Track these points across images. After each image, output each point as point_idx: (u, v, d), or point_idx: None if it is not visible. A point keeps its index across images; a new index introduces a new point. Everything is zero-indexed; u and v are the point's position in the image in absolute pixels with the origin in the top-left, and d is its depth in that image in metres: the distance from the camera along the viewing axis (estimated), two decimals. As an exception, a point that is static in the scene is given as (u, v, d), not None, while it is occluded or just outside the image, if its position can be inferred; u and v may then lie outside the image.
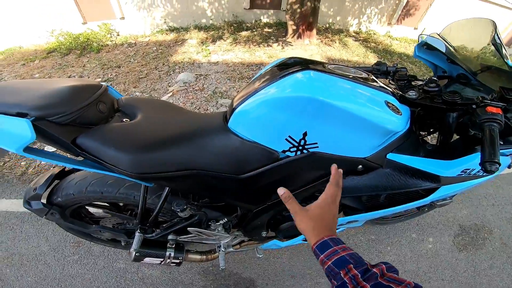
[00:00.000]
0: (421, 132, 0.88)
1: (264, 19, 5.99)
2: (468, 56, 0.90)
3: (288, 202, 0.55)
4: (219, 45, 4.48)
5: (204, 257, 1.15)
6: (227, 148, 0.71)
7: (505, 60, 0.72)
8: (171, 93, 3.00)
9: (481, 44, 0.86)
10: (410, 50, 5.47)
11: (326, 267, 0.45)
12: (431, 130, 0.87)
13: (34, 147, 0.63)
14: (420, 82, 0.86)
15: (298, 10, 4.23)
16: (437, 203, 1.14)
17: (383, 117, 0.63)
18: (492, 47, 0.78)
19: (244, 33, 5.07)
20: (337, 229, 1.12)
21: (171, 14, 5.53)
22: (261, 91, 0.66)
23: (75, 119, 0.64)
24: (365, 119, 0.62)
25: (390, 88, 0.77)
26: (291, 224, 1.00)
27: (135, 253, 0.94)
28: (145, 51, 4.31)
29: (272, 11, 5.94)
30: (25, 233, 1.55)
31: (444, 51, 0.95)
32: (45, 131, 0.59)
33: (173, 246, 1.04)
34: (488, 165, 0.52)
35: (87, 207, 1.14)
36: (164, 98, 2.98)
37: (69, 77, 3.55)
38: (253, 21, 5.91)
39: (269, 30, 5.34)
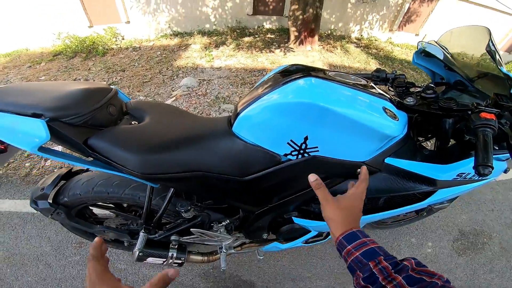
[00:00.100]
0: (418, 138, 0.91)
1: (267, 25, 6.08)
2: (465, 63, 0.93)
3: (319, 189, 0.55)
4: (222, 51, 4.55)
5: (206, 258, 1.16)
6: (231, 151, 0.74)
7: (499, 67, 0.74)
8: (174, 98, 3.04)
9: (477, 51, 0.89)
10: (411, 56, 5.43)
11: (353, 258, 0.45)
12: (429, 135, 0.89)
13: (46, 147, 0.66)
14: (418, 89, 0.88)
15: (301, 17, 4.30)
16: (435, 207, 1.15)
17: (380, 122, 0.66)
18: (486, 54, 0.80)
19: (246, 39, 5.14)
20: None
21: (175, 19, 5.63)
22: (264, 96, 0.69)
23: (87, 120, 0.67)
24: (364, 124, 0.64)
25: (388, 94, 0.80)
26: (292, 227, 1.01)
27: (139, 252, 0.95)
28: (149, 55, 4.38)
29: (274, 17, 6.03)
30: (27, 233, 1.56)
31: (441, 58, 0.97)
32: (59, 131, 0.62)
33: (176, 246, 1.06)
34: (481, 168, 0.54)
35: (91, 207, 1.16)
36: (168, 102, 3.02)
37: (74, 80, 3.61)
38: (256, 27, 6.00)
39: (272, 36, 5.41)
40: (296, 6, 4.25)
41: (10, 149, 0.79)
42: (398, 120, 0.69)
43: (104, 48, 4.57)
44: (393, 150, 0.76)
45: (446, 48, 0.97)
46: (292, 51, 4.59)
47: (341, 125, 0.65)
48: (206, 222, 1.01)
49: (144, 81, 3.46)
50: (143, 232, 0.98)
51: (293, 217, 0.96)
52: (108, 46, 4.72)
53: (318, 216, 0.95)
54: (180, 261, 1.06)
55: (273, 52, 4.55)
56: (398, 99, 0.80)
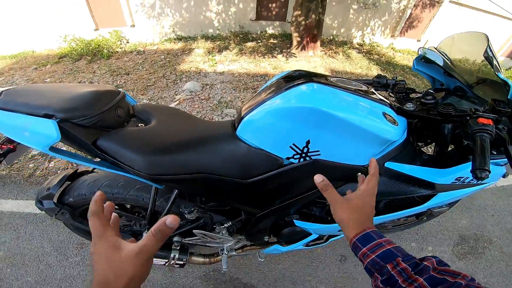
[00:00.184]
0: (418, 143, 0.92)
1: (270, 30, 6.14)
2: (464, 69, 0.94)
3: (327, 191, 0.50)
4: (225, 55, 4.59)
5: (207, 259, 1.17)
6: (235, 154, 0.76)
7: (496, 73, 0.75)
8: (177, 102, 3.07)
9: (476, 57, 0.90)
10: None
11: (369, 260, 0.43)
12: (428, 141, 0.91)
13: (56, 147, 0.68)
14: (418, 95, 0.90)
15: (303, 22, 4.33)
16: (434, 210, 1.16)
17: (380, 127, 0.67)
18: (485, 60, 0.82)
19: (249, 44, 5.18)
20: (337, 235, 1.14)
21: (179, 23, 5.70)
22: (267, 101, 0.71)
23: (96, 122, 0.69)
24: (364, 129, 0.66)
25: (388, 100, 0.82)
26: (293, 229, 1.03)
27: (142, 253, 0.97)
28: (153, 59, 4.43)
29: (277, 22, 6.09)
30: (29, 233, 1.57)
31: (441, 64, 0.99)
32: (69, 132, 0.64)
33: (178, 248, 1.07)
34: (479, 172, 0.55)
35: None
36: (171, 106, 3.05)
37: (79, 82, 3.66)
38: (259, 32, 6.06)
39: (274, 41, 5.45)
40: (299, 12, 4.29)
41: (19, 148, 0.82)
42: (397, 125, 0.70)
43: (109, 51, 4.62)
44: (393, 154, 0.77)
45: (446, 54, 0.99)
46: (294, 56, 4.62)
47: (342, 129, 0.67)
48: (209, 224, 1.03)
49: (148, 84, 3.50)
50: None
51: (294, 220, 0.97)
52: (113, 49, 4.78)
53: (319, 219, 0.96)
54: (182, 262, 1.08)
55: (275, 57, 4.59)
56: (398, 104, 0.81)
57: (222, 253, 1.14)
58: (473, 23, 6.33)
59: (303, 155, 0.73)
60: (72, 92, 0.70)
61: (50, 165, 2.11)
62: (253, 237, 1.11)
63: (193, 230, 1.01)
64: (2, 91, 0.69)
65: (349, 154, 0.73)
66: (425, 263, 0.39)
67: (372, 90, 0.84)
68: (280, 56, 4.63)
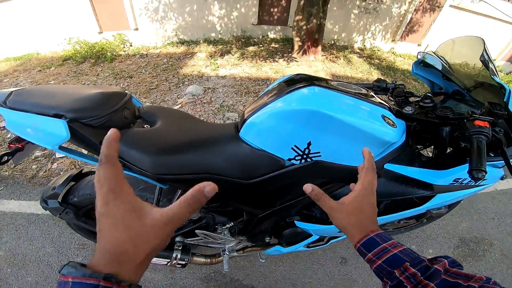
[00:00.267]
0: (417, 146, 0.94)
1: (271, 35, 6.19)
2: (462, 72, 0.96)
3: (320, 199, 0.45)
4: (227, 59, 4.63)
5: (209, 260, 1.18)
6: (238, 155, 0.78)
7: (492, 76, 0.77)
8: (180, 105, 3.10)
9: (473, 61, 0.92)
10: (413, 67, 5.55)
11: (376, 266, 0.41)
12: (427, 143, 0.93)
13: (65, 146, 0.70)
14: (417, 98, 0.92)
15: (304, 27, 4.37)
16: (433, 212, 1.17)
17: (379, 129, 0.69)
18: (482, 64, 0.84)
19: (251, 48, 5.23)
20: (338, 237, 1.15)
21: (182, 27, 5.76)
22: (270, 104, 0.74)
23: (104, 122, 0.71)
24: (363, 131, 0.68)
25: (387, 103, 0.84)
26: (294, 230, 1.04)
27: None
28: (156, 63, 4.47)
29: (279, 27, 6.14)
30: (31, 234, 1.58)
31: (440, 68, 1.01)
32: (78, 131, 0.67)
33: (180, 248, 1.09)
34: (475, 172, 0.57)
35: None
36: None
37: (83, 85, 3.70)
38: (261, 37, 6.11)
39: (276, 46, 5.50)
40: (300, 17, 4.33)
41: (27, 148, 0.84)
42: (396, 127, 0.72)
43: (112, 54, 4.68)
44: (392, 156, 0.79)
45: (444, 58, 1.01)
46: (295, 61, 4.66)
47: (342, 131, 0.69)
48: (211, 224, 1.04)
49: (151, 88, 3.54)
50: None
51: (295, 221, 0.99)
52: (116, 53, 4.84)
53: (320, 220, 0.97)
54: (183, 262, 1.09)
55: (277, 61, 4.62)
56: (397, 108, 0.83)
57: (224, 254, 1.15)
58: (473, 28, 6.36)
59: (304, 156, 0.74)
60: (80, 93, 0.73)
61: (53, 167, 2.13)
62: (255, 238, 1.13)
63: (195, 231, 1.03)
64: (12, 91, 0.71)
65: (349, 155, 0.74)
66: (435, 266, 0.37)
67: (372, 93, 0.86)
68: (281, 60, 4.67)
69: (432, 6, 6.34)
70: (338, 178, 0.83)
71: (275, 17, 6.05)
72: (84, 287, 0.24)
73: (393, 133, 0.71)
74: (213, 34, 5.96)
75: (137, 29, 5.60)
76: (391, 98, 1.01)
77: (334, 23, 6.20)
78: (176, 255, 1.06)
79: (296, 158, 0.75)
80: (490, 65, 0.78)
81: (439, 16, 6.42)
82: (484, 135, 0.63)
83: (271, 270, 1.50)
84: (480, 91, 0.89)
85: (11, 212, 1.70)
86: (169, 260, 1.06)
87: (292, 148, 0.73)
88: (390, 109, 0.78)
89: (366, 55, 5.87)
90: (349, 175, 0.78)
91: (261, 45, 5.47)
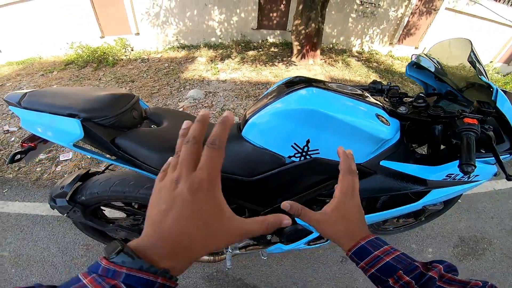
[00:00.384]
0: (413, 144, 0.98)
1: (271, 39, 6.27)
2: (454, 73, 1.00)
3: (301, 214, 0.43)
4: (227, 64, 4.69)
5: (212, 258, 1.21)
6: (240, 153, 0.82)
7: (479, 76, 0.81)
8: (181, 109, 3.14)
9: (463, 62, 0.96)
10: (411, 70, 5.61)
11: (369, 274, 0.40)
12: (422, 142, 0.96)
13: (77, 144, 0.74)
14: (410, 99, 0.96)
15: (303, 31, 4.44)
16: (430, 207, 1.20)
17: (373, 127, 0.74)
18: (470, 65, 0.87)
19: (251, 53, 5.30)
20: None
21: (182, 32, 5.83)
22: (270, 104, 0.78)
23: (114, 122, 0.76)
24: (359, 128, 0.72)
25: (381, 103, 0.88)
26: (295, 227, 1.07)
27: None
28: (157, 67, 4.53)
29: (278, 31, 6.22)
30: (35, 235, 1.59)
31: (432, 70, 1.05)
32: (90, 130, 0.71)
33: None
34: (465, 167, 0.61)
35: (103, 208, 1.22)
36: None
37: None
38: (260, 41, 6.19)
39: (275, 50, 5.57)
40: (299, 21, 4.40)
41: (40, 147, 0.88)
42: (389, 125, 0.76)
43: (114, 59, 4.73)
44: (388, 153, 0.83)
45: (437, 60, 1.05)
46: (294, 64, 4.72)
47: (338, 129, 0.73)
48: (214, 222, 1.07)
49: (153, 92, 3.58)
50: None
51: (295, 218, 1.01)
52: (118, 57, 4.89)
53: (319, 217, 1.00)
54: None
55: (276, 65, 4.68)
56: (391, 107, 0.88)
57: (227, 251, 1.18)
58: (469, 30, 6.45)
59: (304, 153, 0.78)
60: (92, 94, 0.77)
61: (57, 169, 2.16)
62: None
63: None
64: (26, 92, 0.75)
65: None
66: (430, 273, 0.36)
67: (367, 94, 0.91)
68: (280, 64, 4.73)
69: (428, 9, 6.44)
70: (337, 174, 0.86)
71: (274, 21, 6.13)
72: (138, 281, 0.22)
73: (387, 131, 0.75)
74: (213, 39, 6.03)
75: (138, 33, 5.67)
76: (386, 99, 1.06)
77: (332, 27, 6.28)
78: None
79: (296, 155, 0.79)
80: (478, 65, 0.82)
81: (436, 19, 6.52)
82: (473, 132, 0.67)
83: (273, 269, 1.52)
84: (472, 91, 0.93)
85: (16, 214, 1.72)
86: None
87: (292, 146, 0.77)
88: (384, 108, 0.82)
89: (364, 58, 5.94)
90: None
91: (260, 50, 5.54)
